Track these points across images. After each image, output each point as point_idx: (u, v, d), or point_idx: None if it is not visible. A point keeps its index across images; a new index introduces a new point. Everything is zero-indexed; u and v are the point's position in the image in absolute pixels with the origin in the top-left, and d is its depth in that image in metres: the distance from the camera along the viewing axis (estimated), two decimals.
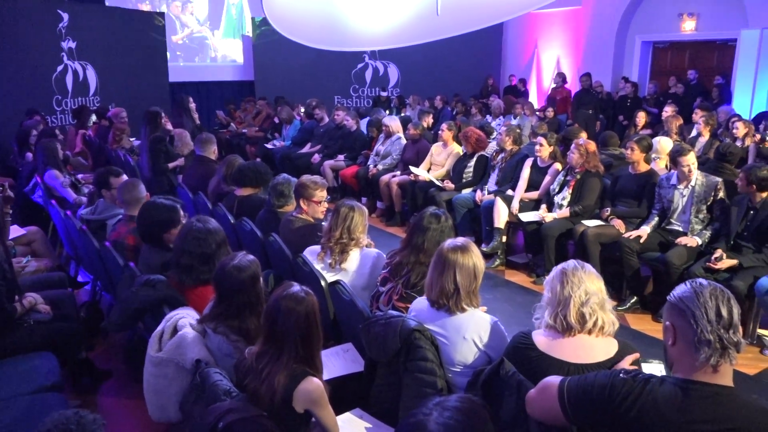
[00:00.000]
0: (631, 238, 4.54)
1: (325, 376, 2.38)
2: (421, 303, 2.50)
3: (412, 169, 6.70)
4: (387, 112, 10.60)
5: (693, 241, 4.38)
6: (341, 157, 8.06)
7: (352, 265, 3.20)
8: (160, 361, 2.32)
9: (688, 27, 10.84)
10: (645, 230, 4.60)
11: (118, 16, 11.31)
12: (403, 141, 7.39)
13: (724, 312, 1.53)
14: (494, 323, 2.36)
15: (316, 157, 8.26)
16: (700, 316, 1.53)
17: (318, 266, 3.17)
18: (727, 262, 4.07)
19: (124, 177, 4.33)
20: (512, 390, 1.97)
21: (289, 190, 3.99)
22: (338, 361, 2.70)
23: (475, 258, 2.39)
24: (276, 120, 10.01)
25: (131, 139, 7.99)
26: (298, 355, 2.02)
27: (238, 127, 10.79)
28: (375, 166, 7.38)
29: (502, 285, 5.17)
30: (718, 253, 4.10)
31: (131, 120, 8.44)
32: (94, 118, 8.98)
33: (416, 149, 7.11)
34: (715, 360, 1.52)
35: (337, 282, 2.94)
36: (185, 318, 2.39)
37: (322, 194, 3.75)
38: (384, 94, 12.69)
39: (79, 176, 6.20)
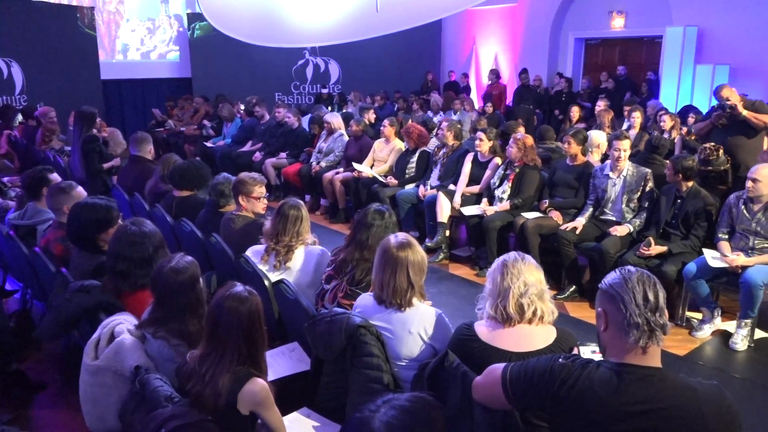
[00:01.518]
0: (567, 230, 4.70)
1: (271, 376, 2.35)
2: (365, 299, 2.51)
3: (355, 165, 6.71)
4: (329, 108, 10.56)
5: (624, 229, 4.57)
6: (283, 154, 7.98)
7: (297, 263, 3.18)
8: (97, 369, 2.24)
9: (618, 24, 11.28)
10: (581, 221, 4.77)
11: (43, 10, 10.78)
12: (346, 138, 7.38)
13: (651, 296, 1.61)
14: (439, 316, 2.39)
15: (258, 156, 8.14)
16: (629, 301, 1.60)
17: (263, 267, 3.13)
18: (657, 249, 4.27)
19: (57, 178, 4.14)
20: (457, 381, 2.01)
21: (230, 189, 3.93)
22: (284, 360, 2.68)
23: (422, 253, 2.44)
24: (207, 123, 9.75)
25: (62, 139, 7.65)
26: (242, 356, 1.99)
27: (176, 126, 10.51)
28: (318, 163, 7.34)
29: (446, 278, 5.25)
30: (649, 241, 4.30)
31: (61, 119, 8.08)
32: (20, 117, 8.55)
33: (359, 146, 7.11)
34: (644, 342, 1.59)
35: (281, 281, 2.92)
36: (123, 324, 2.31)
37: (261, 190, 3.72)
38: (325, 90, 12.64)
39: (5, 179, 5.90)
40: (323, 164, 7.27)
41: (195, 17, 12.46)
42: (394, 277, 2.34)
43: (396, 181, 6.39)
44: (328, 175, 7.04)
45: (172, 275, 2.27)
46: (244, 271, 3.17)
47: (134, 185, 5.13)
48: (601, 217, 4.84)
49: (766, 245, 4.01)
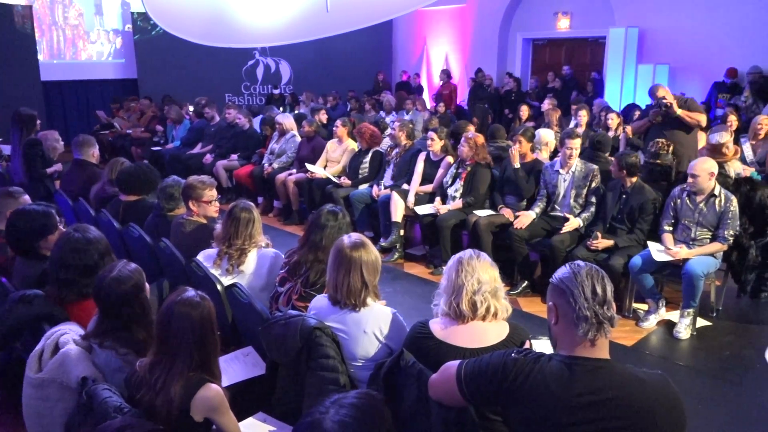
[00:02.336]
0: (522, 228, 4.77)
1: (226, 382, 2.31)
2: (320, 301, 2.50)
3: (308, 166, 6.66)
4: (280, 109, 10.45)
5: (575, 222, 4.69)
6: (234, 156, 7.85)
7: (250, 267, 3.13)
8: (41, 382, 2.15)
9: (563, 25, 11.57)
10: (531, 215, 4.86)
11: None
12: (298, 138, 7.32)
13: (599, 289, 1.65)
14: (394, 315, 2.40)
15: (208, 158, 7.99)
16: (578, 295, 1.64)
17: (215, 272, 3.07)
18: (604, 243, 4.40)
19: None
20: (413, 379, 2.02)
21: (180, 192, 3.84)
22: (238, 365, 2.64)
23: (375, 252, 2.45)
24: (159, 129, 9.51)
25: None
26: (194, 362, 1.95)
27: (122, 128, 10.21)
28: (270, 164, 7.26)
29: (401, 277, 5.28)
30: (596, 235, 4.43)
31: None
32: None
33: (311, 146, 7.07)
34: (593, 334, 1.63)
35: (234, 285, 2.87)
36: (67, 334, 2.23)
37: (211, 193, 3.65)
38: (276, 91, 12.51)
39: None
40: (276, 166, 7.20)
41: (139, 17, 12.12)
42: (348, 278, 2.34)
43: (349, 182, 6.38)
44: (281, 176, 6.97)
45: (114, 285, 2.19)
46: (196, 275, 3.10)
47: (78, 190, 4.95)
48: (551, 213, 4.96)
49: (706, 236, 4.19)
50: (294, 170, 7.03)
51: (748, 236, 4.38)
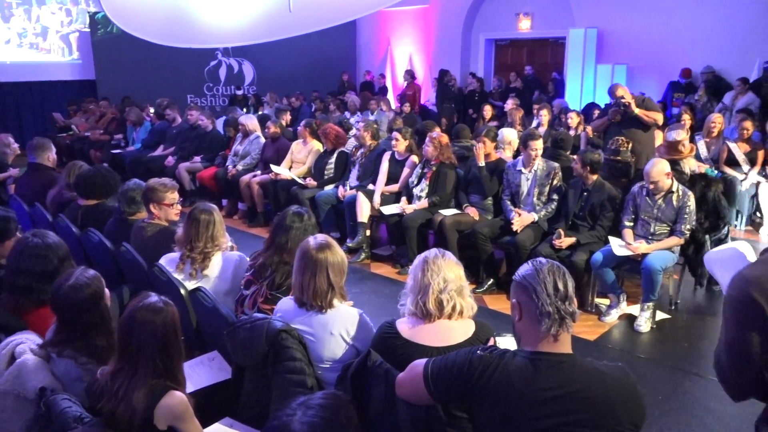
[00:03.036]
0: (520, 229, 4.74)
1: (190, 388, 2.28)
2: (286, 303, 2.48)
3: (273, 167, 6.61)
4: (244, 110, 10.35)
5: (528, 218, 4.77)
6: (198, 158, 7.74)
7: (214, 270, 3.09)
8: None
9: (524, 26, 11.74)
10: (532, 217, 4.83)
11: None
12: (262, 140, 7.26)
13: (561, 285, 1.68)
14: (360, 316, 2.40)
15: (170, 160, 7.85)
16: (541, 291, 1.67)
17: (178, 276, 3.02)
18: (566, 241, 4.49)
19: None
20: (380, 379, 2.02)
21: (141, 196, 3.76)
22: (204, 370, 2.60)
23: (341, 253, 2.44)
24: (119, 137, 9.30)
25: None
26: (157, 369, 1.91)
27: (80, 131, 9.95)
28: (234, 166, 7.18)
29: (368, 278, 5.28)
30: (559, 234, 4.51)
31: None
32: None
33: (276, 147, 7.02)
34: (555, 330, 1.66)
35: (197, 289, 2.83)
36: (24, 343, 2.16)
37: (173, 196, 3.59)
38: (240, 92, 12.38)
39: None
40: (240, 167, 7.12)
41: (97, 16, 11.84)
42: (314, 279, 2.33)
43: (315, 183, 6.35)
44: (245, 178, 6.90)
45: (71, 293, 2.13)
46: (159, 280, 3.04)
47: (35, 195, 4.80)
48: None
49: (664, 231, 4.30)
50: (258, 172, 6.97)
51: (703, 231, 4.52)
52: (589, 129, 6.94)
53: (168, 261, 3.12)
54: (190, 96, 12.81)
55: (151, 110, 9.71)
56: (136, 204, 3.78)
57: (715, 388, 3.53)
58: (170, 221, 3.61)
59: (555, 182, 4.90)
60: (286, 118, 8.50)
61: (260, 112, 10.24)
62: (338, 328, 2.33)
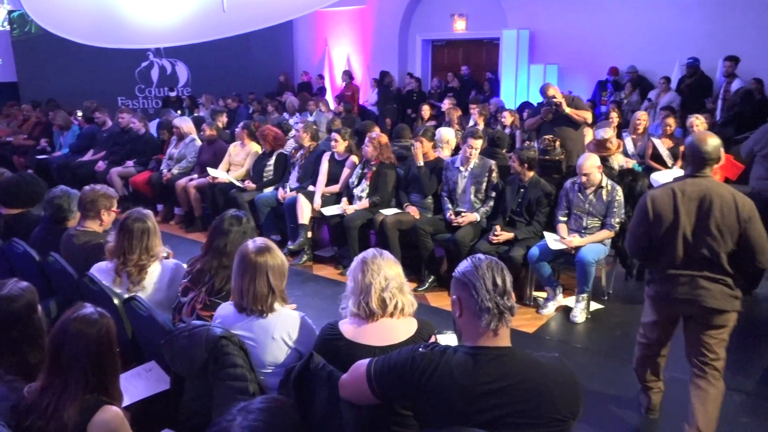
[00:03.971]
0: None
1: (127, 401, 2.20)
2: (226, 308, 2.43)
3: (210, 171, 6.47)
4: (178, 112, 10.06)
5: (470, 217, 4.86)
6: (130, 163, 7.48)
7: (150, 279, 2.98)
8: None
9: (460, 27, 11.94)
10: (475, 216, 4.90)
11: None
12: (198, 143, 7.09)
13: (499, 281, 1.72)
14: (302, 319, 2.38)
15: (101, 165, 7.56)
16: (480, 287, 1.70)
17: (116, 290, 2.90)
18: (504, 236, 4.60)
19: None
20: (323, 382, 2.01)
21: (69, 203, 3.61)
22: (140, 382, 2.52)
23: (281, 256, 2.40)
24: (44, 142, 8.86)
25: None
26: (90, 383, 1.83)
27: (2, 136, 9.42)
28: (169, 170, 6.97)
29: (310, 280, 5.24)
30: (496, 229, 4.62)
31: None
32: None
33: (213, 150, 6.87)
34: (495, 325, 1.70)
35: (132, 297, 2.73)
36: None
37: (114, 200, 3.49)
38: (173, 94, 12.02)
39: None
40: (175, 171, 6.93)
41: (16, 16, 11.25)
42: (254, 283, 2.29)
43: (254, 185, 6.26)
44: (182, 182, 6.72)
45: (4, 305, 2.02)
46: (90, 291, 2.92)
47: None
48: (455, 209, 5.10)
49: (596, 225, 4.47)
50: (195, 175, 6.80)
51: None
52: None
53: (99, 270, 3.00)
54: (121, 98, 12.37)
55: (79, 113, 9.31)
56: (64, 212, 3.62)
57: None
58: (102, 228, 3.47)
59: (492, 179, 5.01)
60: (223, 120, 8.32)
61: (195, 114, 9.99)
62: (280, 331, 2.30)
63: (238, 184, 6.31)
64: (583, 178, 4.41)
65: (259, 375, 2.29)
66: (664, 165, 6.00)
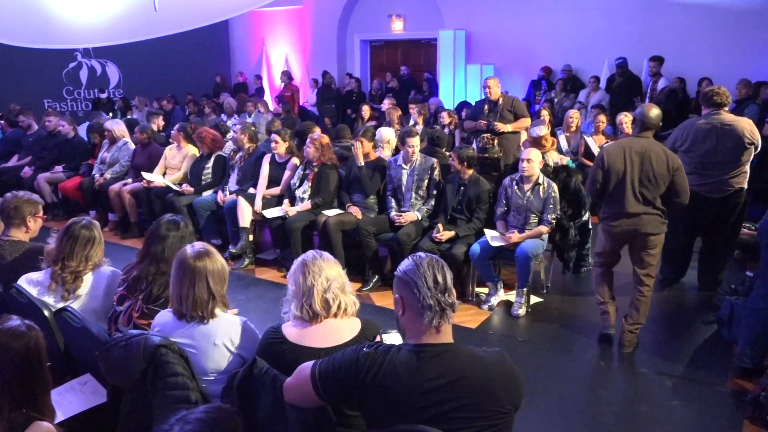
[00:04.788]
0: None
1: (61, 416, 2.11)
2: (164, 316, 2.36)
3: (145, 175, 6.27)
4: (110, 115, 9.70)
5: (411, 216, 4.91)
6: (59, 168, 7.15)
7: (84, 288, 2.87)
8: None
9: (397, 27, 12.03)
10: (414, 215, 4.95)
11: None
12: (132, 146, 6.86)
13: (440, 278, 1.74)
14: (244, 323, 2.34)
15: (27, 171, 7.20)
16: (422, 285, 1.72)
17: (49, 299, 2.77)
18: (446, 234, 4.66)
19: None
20: (267, 387, 1.98)
21: (11, 210, 3.43)
22: (75, 396, 2.41)
23: (221, 260, 2.35)
24: None
25: None
26: (17, 400, 1.74)
27: None
28: (101, 175, 6.72)
29: (253, 284, 5.16)
30: (438, 227, 4.68)
31: None
32: None
33: (147, 153, 6.66)
34: (437, 321, 1.72)
35: (63, 309, 2.61)
36: None
37: (40, 206, 3.33)
38: (104, 95, 11.58)
39: None
40: (108, 176, 6.68)
41: None
42: (193, 289, 2.23)
43: (192, 189, 6.10)
44: (115, 187, 6.48)
45: None
46: (17, 303, 2.78)
47: None
48: (399, 208, 5.14)
49: (534, 221, 4.60)
50: (129, 180, 6.58)
51: (567, 218, 4.87)
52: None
53: (29, 281, 2.86)
54: (48, 101, 11.81)
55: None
56: None
57: (586, 365, 3.83)
58: (30, 237, 3.32)
59: (434, 177, 5.07)
60: (158, 122, 8.07)
61: (129, 117, 9.66)
62: (221, 337, 2.25)
63: (175, 187, 6.14)
64: (524, 164, 4.51)
65: (201, 383, 2.23)
66: None
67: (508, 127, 5.96)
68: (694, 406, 3.32)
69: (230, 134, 7.20)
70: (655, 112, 3.70)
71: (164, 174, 6.46)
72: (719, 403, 3.35)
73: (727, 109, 4.47)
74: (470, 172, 4.86)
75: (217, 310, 2.29)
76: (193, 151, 6.48)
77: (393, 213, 5.02)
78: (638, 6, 9.39)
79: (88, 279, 2.87)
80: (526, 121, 6.11)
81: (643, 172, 3.63)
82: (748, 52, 8.61)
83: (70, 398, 2.40)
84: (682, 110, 7.76)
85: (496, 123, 5.95)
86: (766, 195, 6.27)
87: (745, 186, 4.54)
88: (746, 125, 4.37)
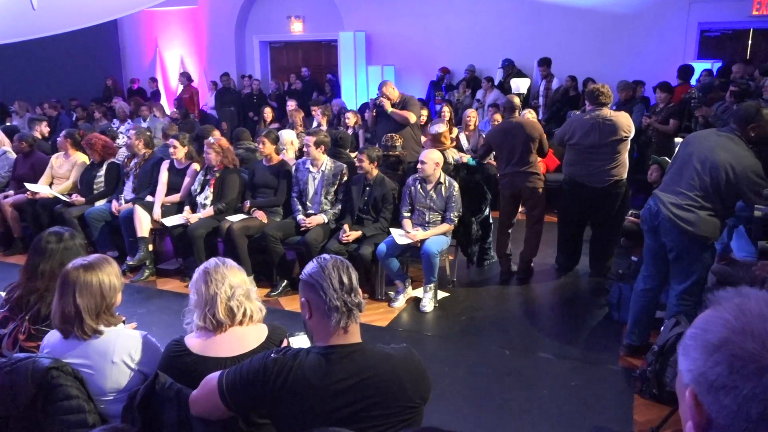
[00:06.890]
0: (311, 226, 4.85)
1: None
2: (54, 336, 2.20)
3: (29, 186, 5.83)
4: None
5: (318, 219, 4.90)
6: None
7: None
8: None
9: (297, 28, 11.94)
10: (321, 218, 4.94)
11: None
12: (12, 155, 6.36)
13: (345, 279, 1.75)
14: (144, 338, 2.23)
15: None
16: (327, 287, 1.72)
17: None
18: (353, 235, 4.68)
19: None
20: (172, 402, 1.90)
21: None
22: None
23: (102, 274, 2.18)
24: None
25: None
26: None
27: None
28: None
29: (155, 296, 4.93)
30: (345, 229, 4.69)
31: None
32: None
33: (30, 163, 6.20)
34: (344, 322, 1.72)
35: None
36: None
37: None
38: None
39: None
40: None
41: None
42: (60, 302, 2.11)
43: (83, 199, 5.75)
44: None
45: None
46: None
47: None
48: (305, 211, 5.09)
49: (438, 219, 4.72)
50: (11, 192, 6.09)
51: (469, 213, 5.05)
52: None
53: None
54: None
55: None
56: None
57: (491, 354, 3.98)
58: None
59: (343, 182, 5.07)
60: (42, 128, 7.52)
61: (8, 124, 8.93)
62: (120, 354, 2.14)
63: (63, 198, 5.76)
64: (420, 165, 4.64)
65: (99, 404, 2.11)
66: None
67: (388, 105, 6.05)
68: (591, 385, 3.54)
69: (122, 140, 6.84)
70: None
71: (51, 184, 6.04)
72: (613, 380, 3.59)
73: (608, 106, 4.79)
74: (376, 172, 4.91)
75: (102, 327, 2.15)
76: (82, 158, 6.10)
77: (300, 216, 4.98)
78: (525, 10, 9.88)
79: None
80: (411, 116, 6.09)
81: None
82: (624, 53, 9.31)
83: None
84: (576, 107, 8.25)
85: (381, 99, 6.06)
86: (647, 186, 6.80)
87: (625, 177, 4.89)
88: (624, 120, 4.72)
